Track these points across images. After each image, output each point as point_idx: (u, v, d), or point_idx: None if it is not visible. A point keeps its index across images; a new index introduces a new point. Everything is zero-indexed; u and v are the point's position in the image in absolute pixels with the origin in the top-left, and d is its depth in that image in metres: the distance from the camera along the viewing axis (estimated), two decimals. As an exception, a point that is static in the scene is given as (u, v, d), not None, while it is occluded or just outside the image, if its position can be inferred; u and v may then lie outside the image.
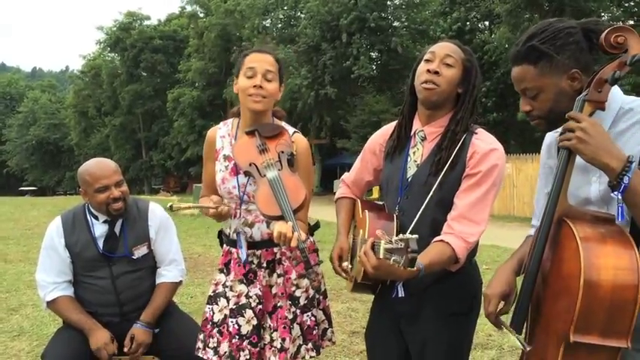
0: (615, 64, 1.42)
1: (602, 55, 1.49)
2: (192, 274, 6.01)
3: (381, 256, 1.46)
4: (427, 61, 1.82)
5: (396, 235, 1.44)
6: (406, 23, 25.25)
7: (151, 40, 41.45)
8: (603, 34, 1.43)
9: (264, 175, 1.93)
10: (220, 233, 2.26)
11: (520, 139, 21.86)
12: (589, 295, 1.31)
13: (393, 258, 1.41)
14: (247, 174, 2.00)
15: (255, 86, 2.00)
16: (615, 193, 1.32)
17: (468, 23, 21.95)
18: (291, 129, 2.14)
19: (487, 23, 23.31)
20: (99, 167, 2.45)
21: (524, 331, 1.53)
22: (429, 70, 1.78)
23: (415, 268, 1.42)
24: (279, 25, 30.45)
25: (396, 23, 25.68)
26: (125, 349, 2.40)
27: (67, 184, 53.11)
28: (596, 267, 1.31)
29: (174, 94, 36.27)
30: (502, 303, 1.61)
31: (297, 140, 2.10)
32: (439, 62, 1.79)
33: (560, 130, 1.43)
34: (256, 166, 1.97)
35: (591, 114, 1.43)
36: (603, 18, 17.75)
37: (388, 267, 1.49)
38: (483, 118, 20.25)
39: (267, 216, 1.91)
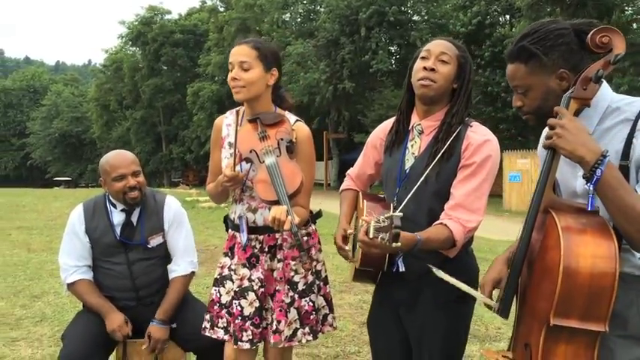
0: (600, 63, 1.49)
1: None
2: (209, 265, 6.16)
3: (371, 235, 1.54)
4: (423, 58, 1.90)
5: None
6: (426, 17, 25.08)
7: (172, 34, 41.76)
8: (589, 35, 1.51)
9: (263, 162, 2.03)
10: (226, 218, 2.38)
11: (539, 135, 21.67)
12: (568, 282, 1.39)
13: (380, 236, 1.51)
14: (248, 160, 2.10)
15: (232, 78, 2.11)
16: (588, 184, 1.40)
17: (488, 17, 21.74)
18: (293, 117, 2.23)
19: (507, 17, 23.08)
20: (117, 157, 2.58)
21: (514, 317, 1.62)
22: (425, 68, 1.87)
23: (399, 243, 1.52)
24: (299, 19, 30.48)
25: (415, 17, 25.54)
26: (144, 347, 2.52)
27: (88, 177, 53.88)
28: (575, 255, 1.39)
29: (193, 87, 36.54)
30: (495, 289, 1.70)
31: (299, 128, 2.19)
32: (435, 59, 1.87)
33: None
34: (256, 153, 2.07)
35: (577, 111, 1.51)
36: (627, 12, 17.47)
37: (379, 245, 1.58)
38: (502, 113, 20.13)
39: (265, 200, 2.01)
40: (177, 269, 2.66)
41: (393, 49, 25.55)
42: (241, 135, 2.15)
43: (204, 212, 12.40)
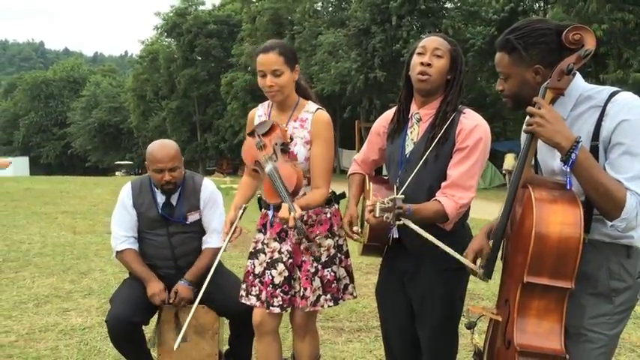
0: (573, 57, 1.72)
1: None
2: (242, 246, 6.49)
3: (377, 215, 1.82)
4: (419, 54, 2.13)
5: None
6: (458, 4, 24.90)
7: (206, 24, 42.33)
8: (564, 33, 1.74)
9: (265, 169, 2.31)
10: (260, 199, 2.67)
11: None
12: (539, 245, 1.63)
13: (385, 215, 1.78)
14: (255, 171, 2.40)
15: (267, 85, 2.37)
16: (565, 166, 1.64)
17: (521, 4, 21.53)
18: (314, 106, 2.49)
19: (541, 3, 22.76)
20: (160, 151, 2.87)
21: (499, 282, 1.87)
22: (422, 63, 2.11)
23: (401, 221, 1.78)
24: (330, 9, 30.61)
25: (447, 4, 25.36)
26: (170, 301, 2.85)
27: (127, 165, 55.30)
28: (545, 222, 1.64)
29: (227, 78, 37.08)
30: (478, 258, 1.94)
31: (318, 115, 2.44)
32: (430, 54, 2.11)
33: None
34: (259, 162, 2.36)
35: (553, 99, 1.74)
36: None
37: (384, 223, 1.85)
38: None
39: (271, 203, 2.33)
40: (210, 241, 2.98)
41: (424, 37, 25.46)
42: (244, 150, 2.47)
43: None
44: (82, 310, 4.33)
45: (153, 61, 46.90)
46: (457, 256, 1.89)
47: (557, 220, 1.64)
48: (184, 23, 42.45)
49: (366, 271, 5.73)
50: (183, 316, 2.90)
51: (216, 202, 3.04)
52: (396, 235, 2.01)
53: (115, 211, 3.02)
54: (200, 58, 43.72)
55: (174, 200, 2.95)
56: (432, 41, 2.14)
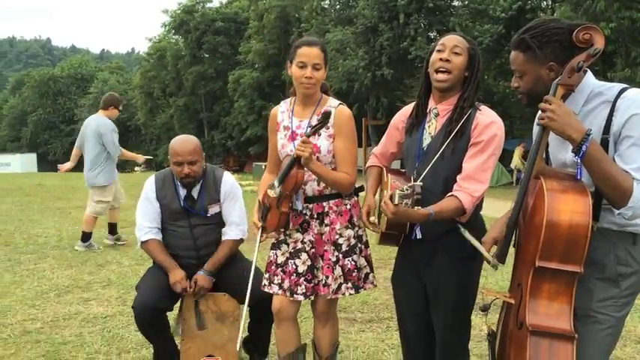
0: (582, 56, 1.83)
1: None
2: (252, 243, 6.61)
3: (396, 202, 1.92)
4: (439, 51, 2.24)
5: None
6: (466, 2, 24.88)
7: (213, 22, 42.42)
8: (574, 32, 1.84)
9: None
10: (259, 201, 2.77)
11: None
12: (551, 231, 1.75)
13: (404, 202, 1.89)
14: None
15: (306, 77, 2.49)
16: (576, 157, 1.75)
17: (529, 2, 21.50)
18: (335, 102, 2.61)
19: (549, 2, 22.73)
20: (181, 145, 3.01)
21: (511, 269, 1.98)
22: (441, 59, 2.22)
23: (421, 207, 1.89)
24: (338, 7, 30.60)
25: (455, 2, 25.33)
26: (189, 290, 2.97)
27: (133, 162, 55.50)
28: (557, 210, 1.75)
29: (234, 75, 37.19)
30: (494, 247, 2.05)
31: (340, 110, 2.57)
32: (449, 52, 2.22)
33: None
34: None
35: (564, 95, 1.85)
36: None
37: (403, 211, 1.95)
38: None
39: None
40: (229, 233, 3.11)
41: (432, 35, 25.49)
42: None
43: (245, 196, 12.89)
44: (102, 300, 4.47)
45: (160, 59, 47.02)
46: (477, 245, 2.00)
47: (568, 208, 1.75)
48: (192, 20, 42.56)
49: (376, 265, 5.80)
50: (204, 303, 3.03)
51: (236, 196, 3.16)
52: (419, 236, 2.12)
53: (140, 203, 3.14)
54: (207, 56, 43.83)
55: (195, 193, 3.08)
56: (451, 39, 2.25)
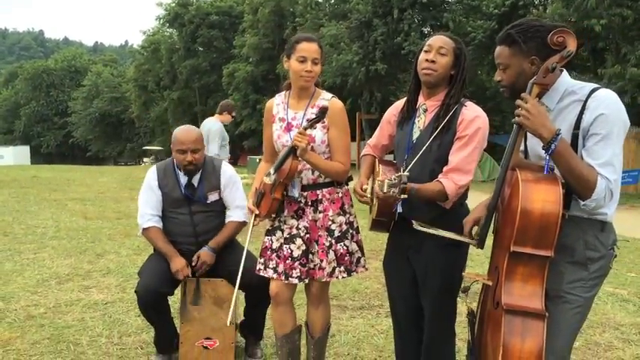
0: (557, 57, 1.98)
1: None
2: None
3: (385, 190, 2.08)
4: (426, 51, 2.40)
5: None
6: (460, -2, 25.08)
7: (208, 15, 42.36)
8: (549, 35, 2.00)
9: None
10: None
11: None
12: (524, 219, 1.91)
13: (392, 190, 2.05)
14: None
15: (306, 71, 2.65)
16: (545, 154, 1.92)
17: (521, -2, 21.67)
18: (328, 95, 2.77)
19: (542, -2, 22.92)
20: (184, 134, 3.17)
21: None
22: (427, 60, 2.38)
23: (406, 195, 2.06)
24: (332, 1, 30.63)
25: (449, -2, 25.54)
26: (193, 264, 3.13)
27: (127, 155, 55.44)
28: (530, 199, 1.91)
29: (229, 69, 37.19)
30: (475, 227, 2.21)
31: (333, 103, 2.72)
32: (435, 52, 2.37)
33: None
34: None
35: (539, 94, 2.01)
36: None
37: (390, 197, 2.11)
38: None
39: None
40: (232, 215, 3.29)
41: (425, 30, 25.63)
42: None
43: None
44: (102, 288, 4.62)
45: (155, 52, 46.92)
46: (453, 236, 2.16)
47: (540, 197, 1.91)
48: (186, 14, 42.47)
49: (368, 256, 5.96)
50: (205, 287, 3.19)
51: (236, 183, 3.33)
52: (400, 210, 2.28)
53: (142, 192, 3.29)
54: (202, 49, 43.80)
55: (195, 181, 3.23)
56: (437, 40, 2.40)
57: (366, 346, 3.58)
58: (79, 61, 66.85)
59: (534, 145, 2.15)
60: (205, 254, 3.14)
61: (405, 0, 23.20)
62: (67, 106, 60.67)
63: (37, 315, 3.89)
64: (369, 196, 2.49)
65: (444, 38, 2.41)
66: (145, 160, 42.72)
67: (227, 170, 3.33)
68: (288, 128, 2.74)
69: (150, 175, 3.29)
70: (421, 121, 2.48)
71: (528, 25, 2.04)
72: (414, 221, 2.27)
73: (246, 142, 37.16)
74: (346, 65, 24.90)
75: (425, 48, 2.42)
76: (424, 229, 2.23)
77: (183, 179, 3.22)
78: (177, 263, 3.12)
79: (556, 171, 1.99)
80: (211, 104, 42.90)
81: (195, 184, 3.22)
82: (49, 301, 4.20)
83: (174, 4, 43.87)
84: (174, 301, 3.39)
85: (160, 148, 42.82)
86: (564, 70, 2.07)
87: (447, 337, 2.59)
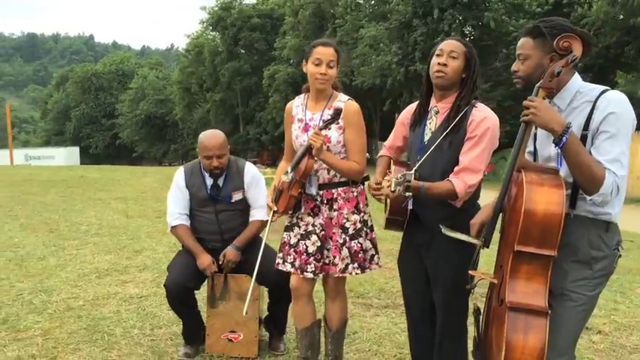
0: (562, 62, 2.02)
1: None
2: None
3: (393, 188, 2.17)
4: (438, 55, 2.46)
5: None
6: (501, -3, 24.67)
7: (250, 18, 43.00)
8: (556, 40, 2.04)
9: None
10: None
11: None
12: (527, 220, 1.96)
13: (398, 188, 2.13)
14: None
15: (321, 73, 2.75)
16: (557, 148, 1.96)
17: (565, -4, 21.23)
18: (345, 97, 2.87)
19: (587, -4, 22.34)
20: (210, 140, 3.30)
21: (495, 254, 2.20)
22: (439, 63, 2.44)
23: (411, 193, 2.14)
24: (372, 2, 30.70)
25: (490, -3, 25.16)
26: (220, 263, 3.28)
27: (171, 156, 56.71)
28: (533, 201, 1.96)
29: (270, 71, 37.64)
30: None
31: (349, 105, 2.81)
32: (446, 56, 2.44)
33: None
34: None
35: (545, 97, 2.06)
36: None
37: (398, 195, 2.19)
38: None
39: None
40: (256, 214, 3.41)
41: (466, 30, 25.33)
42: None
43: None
44: (138, 282, 4.83)
45: (198, 55, 47.90)
46: (460, 236, 2.22)
47: (544, 199, 1.96)
48: (229, 17, 43.22)
49: (393, 257, 6.07)
50: (229, 283, 3.33)
51: (260, 182, 3.46)
52: (410, 207, 2.35)
53: (171, 192, 3.45)
54: (243, 52, 44.46)
55: (220, 182, 3.37)
56: (448, 45, 2.47)
57: (387, 343, 3.64)
58: (126, 65, 68.78)
59: (543, 146, 2.19)
60: (231, 253, 3.28)
61: (446, 0, 22.99)
62: (115, 108, 62.47)
63: (76, 307, 4.12)
64: (382, 191, 2.57)
65: (456, 43, 2.48)
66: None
67: (250, 170, 3.46)
68: (306, 129, 2.85)
69: (178, 175, 3.45)
70: (433, 123, 2.55)
71: (557, 24, 2.08)
72: (441, 226, 2.32)
73: (285, 144, 37.40)
74: (385, 66, 24.90)
75: (437, 52, 2.49)
76: (449, 234, 2.29)
77: (209, 180, 3.37)
78: (205, 260, 3.26)
79: (561, 173, 2.04)
80: (252, 106, 43.56)
81: (220, 184, 3.36)
82: (87, 294, 4.42)
83: (217, 8, 44.71)
84: (203, 297, 3.53)
85: None
86: (576, 72, 2.12)
87: (458, 334, 2.64)
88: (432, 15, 23.33)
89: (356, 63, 27.54)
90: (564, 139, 1.91)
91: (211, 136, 3.34)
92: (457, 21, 24.09)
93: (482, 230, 2.25)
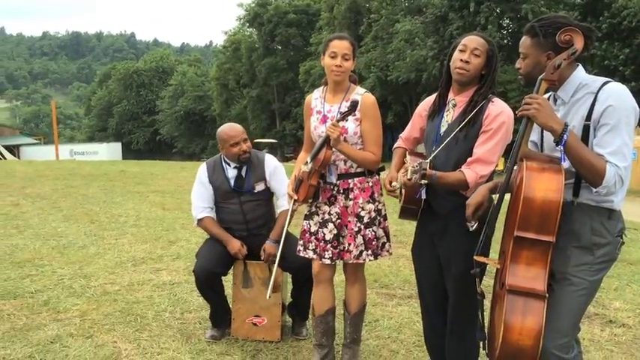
0: (563, 55, 2.09)
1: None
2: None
3: (408, 177, 2.28)
4: (461, 51, 2.52)
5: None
6: (540, -12, 24.21)
7: (286, 14, 43.34)
8: (558, 33, 2.11)
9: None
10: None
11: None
12: (527, 206, 2.04)
13: (414, 176, 2.24)
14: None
15: (336, 65, 2.87)
16: (558, 146, 2.04)
17: (607, -14, 20.66)
18: (362, 89, 2.98)
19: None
20: (232, 129, 3.49)
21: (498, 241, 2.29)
22: (461, 60, 2.50)
23: (427, 181, 2.24)
24: (408, -4, 30.53)
25: (529, -11, 24.72)
26: (262, 259, 3.44)
27: (210, 151, 57.66)
28: (532, 188, 2.04)
29: (305, 66, 37.90)
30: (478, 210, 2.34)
31: (366, 97, 2.92)
32: (470, 53, 2.50)
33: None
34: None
35: (547, 89, 2.14)
36: None
37: (413, 183, 2.30)
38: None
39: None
40: (283, 204, 3.54)
41: (504, 22, 24.97)
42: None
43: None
44: (171, 270, 5.05)
45: (235, 51, 48.53)
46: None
47: (542, 186, 2.04)
48: (265, 13, 43.66)
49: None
50: (254, 270, 3.50)
51: (281, 173, 3.60)
52: (424, 196, 2.45)
53: (194, 187, 3.64)
54: (280, 48, 44.87)
55: (243, 172, 3.53)
56: (472, 41, 2.52)
57: (407, 331, 3.75)
58: (166, 62, 70.21)
59: (550, 136, 2.26)
60: (269, 247, 3.43)
61: (482, -8, 22.73)
62: (155, 104, 63.83)
63: (112, 292, 4.36)
64: (397, 188, 2.68)
65: (479, 39, 2.53)
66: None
67: (270, 162, 3.61)
68: (324, 120, 2.98)
69: (201, 171, 3.62)
70: (450, 115, 2.63)
71: (552, 21, 2.14)
72: (468, 223, 2.37)
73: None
74: (420, 61, 24.77)
75: (460, 47, 2.54)
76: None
77: (231, 173, 3.53)
78: (235, 245, 3.44)
79: (564, 165, 2.11)
80: (288, 101, 43.85)
81: (243, 176, 3.53)
82: (123, 280, 4.67)
83: (253, 4, 45.16)
84: (229, 285, 3.71)
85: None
86: (579, 65, 2.18)
87: (470, 321, 2.70)
88: (468, 8, 23.12)
89: (391, 57, 27.47)
90: (565, 136, 1.99)
91: (230, 127, 3.53)
92: (494, 14, 23.78)
93: (478, 211, 2.32)
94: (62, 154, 36.83)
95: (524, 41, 2.21)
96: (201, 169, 3.64)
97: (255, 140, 48.56)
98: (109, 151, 45.22)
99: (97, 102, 73.22)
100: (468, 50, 2.51)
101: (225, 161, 3.57)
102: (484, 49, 2.51)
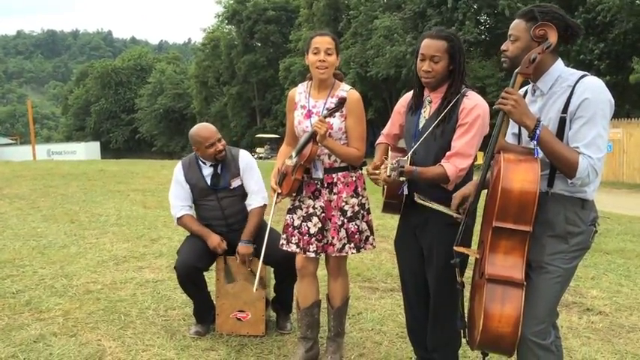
0: (538, 49, 2.15)
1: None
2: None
3: (388, 173, 2.32)
4: (421, 60, 2.57)
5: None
6: (517, -17, 24.46)
7: (265, 11, 43.24)
8: (532, 28, 2.17)
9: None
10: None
11: (636, 102, 20.82)
12: (504, 197, 2.09)
13: (393, 173, 2.29)
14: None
15: (320, 60, 2.90)
16: (532, 141, 2.10)
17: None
18: (347, 86, 3.02)
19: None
20: (206, 130, 3.50)
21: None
22: (423, 70, 2.56)
23: (405, 178, 2.29)
24: (386, -8, 30.61)
25: (506, -16, 24.96)
26: (238, 261, 3.45)
27: (190, 149, 57.07)
28: (510, 179, 2.10)
29: (285, 63, 37.86)
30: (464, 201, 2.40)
31: (351, 93, 2.96)
32: (428, 62, 2.54)
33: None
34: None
35: (523, 83, 2.19)
36: None
37: (392, 180, 2.35)
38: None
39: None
40: (252, 203, 3.56)
41: (482, 18, 25.20)
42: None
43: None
44: (154, 268, 5.05)
45: (214, 48, 48.31)
46: (444, 209, 2.38)
47: (519, 177, 2.09)
48: (244, 10, 43.50)
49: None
50: (237, 265, 3.51)
51: (253, 168, 3.61)
52: (406, 192, 2.50)
53: (172, 186, 3.64)
54: (259, 45, 44.75)
55: (219, 170, 3.55)
56: (429, 48, 2.55)
57: (389, 323, 3.80)
58: (144, 60, 69.59)
59: None
60: (243, 247, 3.44)
61: (460, -12, 22.91)
62: (134, 103, 63.21)
63: (95, 290, 4.35)
64: (378, 176, 2.71)
65: (436, 43, 2.54)
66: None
67: (244, 157, 3.63)
68: (309, 115, 3.01)
69: (176, 170, 3.63)
70: (426, 112, 2.68)
71: (550, 10, 2.19)
72: (415, 194, 2.47)
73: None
74: (400, 57, 24.88)
75: (419, 57, 2.59)
76: (423, 202, 2.44)
77: (206, 171, 3.55)
78: (214, 240, 3.45)
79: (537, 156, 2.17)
80: (269, 98, 43.78)
81: (219, 173, 3.54)
82: (106, 279, 4.65)
83: (232, 1, 44.95)
84: (212, 282, 3.72)
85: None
86: (559, 58, 2.24)
87: (450, 312, 2.74)
88: (446, 4, 23.29)
89: (371, 54, 27.56)
90: (538, 131, 2.06)
91: (204, 128, 3.54)
92: (472, 10, 24.00)
93: (463, 203, 2.39)
94: (39, 154, 36.30)
95: (518, 24, 2.23)
96: (177, 168, 3.65)
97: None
98: (87, 150, 44.69)
99: (74, 101, 72.27)
100: (427, 59, 2.55)
101: (200, 160, 3.58)
102: (443, 51, 2.54)
